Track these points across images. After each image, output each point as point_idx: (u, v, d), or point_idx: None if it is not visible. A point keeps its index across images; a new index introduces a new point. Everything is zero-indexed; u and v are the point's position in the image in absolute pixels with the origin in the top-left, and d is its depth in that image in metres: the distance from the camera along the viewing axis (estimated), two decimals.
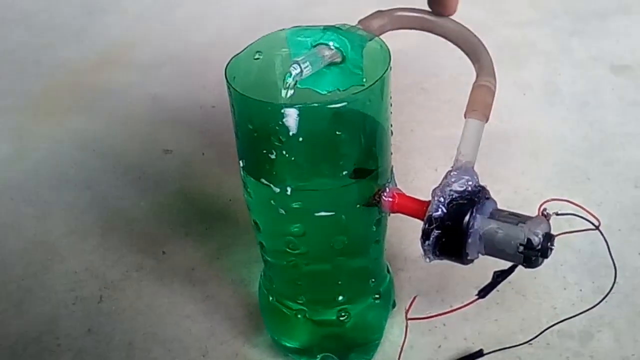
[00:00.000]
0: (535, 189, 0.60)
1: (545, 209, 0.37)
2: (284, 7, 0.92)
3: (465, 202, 0.35)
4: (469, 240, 0.35)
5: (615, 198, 0.58)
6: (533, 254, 0.35)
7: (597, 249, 0.53)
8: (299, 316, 0.42)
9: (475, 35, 0.43)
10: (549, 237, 0.35)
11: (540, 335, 0.46)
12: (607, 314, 0.48)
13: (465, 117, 0.40)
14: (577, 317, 0.48)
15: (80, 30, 0.91)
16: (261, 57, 0.39)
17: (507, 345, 0.46)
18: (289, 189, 0.36)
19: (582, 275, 0.51)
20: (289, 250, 0.39)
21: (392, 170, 0.41)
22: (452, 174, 0.37)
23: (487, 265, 0.52)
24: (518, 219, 0.36)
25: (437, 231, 0.36)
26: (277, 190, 0.36)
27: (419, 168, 0.63)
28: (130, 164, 0.65)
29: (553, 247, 0.36)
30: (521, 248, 0.35)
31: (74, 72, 0.81)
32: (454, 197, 0.36)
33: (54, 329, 0.49)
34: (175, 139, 0.68)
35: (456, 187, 0.36)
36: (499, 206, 0.37)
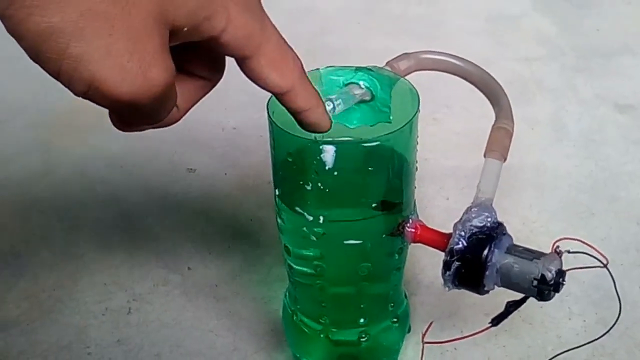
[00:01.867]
0: (541, 222, 0.63)
1: (558, 247, 0.40)
2: (298, 36, 0.96)
3: (484, 236, 0.38)
4: (487, 273, 0.38)
5: (618, 234, 0.61)
6: (546, 288, 0.38)
7: (600, 283, 0.56)
8: (322, 336, 0.45)
9: (495, 81, 0.46)
10: (561, 273, 0.38)
11: None
12: (609, 345, 0.51)
13: (484, 157, 0.43)
14: (581, 347, 0.51)
15: None
16: None
17: None
18: (321, 218, 0.39)
19: (586, 307, 0.54)
20: (316, 273, 0.42)
21: (414, 203, 0.44)
22: (472, 209, 0.40)
23: (496, 293, 0.55)
24: (533, 254, 0.39)
25: (457, 263, 0.39)
26: (310, 218, 0.39)
27: (431, 196, 0.66)
28: (155, 181, 0.68)
29: (564, 282, 0.39)
30: (535, 282, 0.38)
31: None
32: (474, 231, 0.39)
33: (84, 339, 0.51)
34: (198, 159, 0.71)
35: (476, 222, 0.39)
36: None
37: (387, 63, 0.45)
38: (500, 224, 0.39)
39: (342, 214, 0.40)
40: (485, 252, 0.38)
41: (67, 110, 0.80)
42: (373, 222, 0.40)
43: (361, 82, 0.42)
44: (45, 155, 0.72)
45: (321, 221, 0.39)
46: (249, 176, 0.69)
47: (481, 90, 0.46)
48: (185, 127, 0.78)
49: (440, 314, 0.54)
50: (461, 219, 0.39)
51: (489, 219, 0.39)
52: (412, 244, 0.45)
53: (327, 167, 0.37)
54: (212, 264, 0.58)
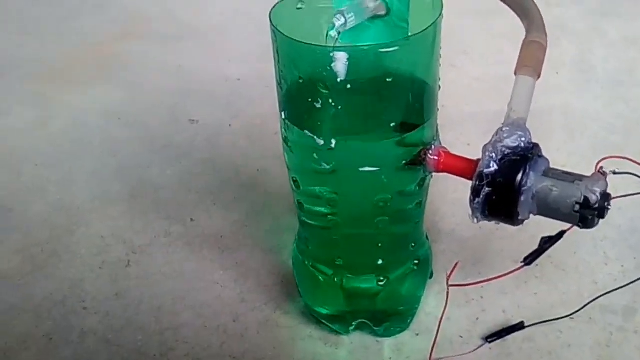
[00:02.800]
0: (571, 165, 0.57)
1: (602, 167, 0.35)
2: None
3: (518, 158, 0.34)
4: (522, 199, 0.34)
5: None
6: (590, 213, 0.33)
7: (636, 225, 0.52)
8: (336, 280, 0.41)
9: None
10: (606, 196, 0.34)
11: (582, 310, 0.45)
12: None
13: (515, 74, 0.38)
14: (619, 292, 0.46)
15: (100, 3, 0.90)
16: (303, 7, 0.38)
17: (548, 319, 0.45)
18: (333, 142, 0.35)
19: (624, 251, 0.50)
20: (329, 209, 0.38)
21: (437, 129, 0.39)
22: (503, 129, 0.35)
23: (524, 239, 0.51)
24: (573, 177, 0.34)
25: (487, 188, 0.34)
26: (321, 142, 0.35)
27: (451, 143, 0.60)
28: (156, 133, 0.64)
29: (610, 207, 0.34)
30: (577, 207, 0.33)
31: (96, 43, 0.80)
32: (506, 153, 0.34)
33: (79, 293, 0.48)
34: (201, 110, 0.67)
35: (508, 142, 0.35)
36: None
37: None
38: (535, 145, 0.35)
39: (356, 136, 0.36)
40: (520, 175, 0.33)
41: (65, 63, 0.76)
42: (391, 146, 0.36)
43: None
44: (41, 108, 0.69)
45: (333, 145, 0.35)
46: (255, 126, 0.64)
47: (506, 3, 0.41)
48: (186, 79, 0.74)
49: (465, 261, 0.49)
50: (491, 140, 0.35)
51: (523, 139, 0.35)
52: (436, 175, 0.41)
53: (339, 79, 0.32)
54: (217, 215, 0.54)
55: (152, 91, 0.70)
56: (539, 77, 0.38)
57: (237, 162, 0.60)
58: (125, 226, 0.53)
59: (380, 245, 0.40)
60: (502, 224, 0.37)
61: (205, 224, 0.53)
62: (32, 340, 0.44)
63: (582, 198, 0.33)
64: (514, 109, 0.36)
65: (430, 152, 0.37)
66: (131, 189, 0.57)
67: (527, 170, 0.34)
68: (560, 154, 0.59)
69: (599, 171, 0.35)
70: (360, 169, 0.36)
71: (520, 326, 0.44)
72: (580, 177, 0.34)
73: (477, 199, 0.34)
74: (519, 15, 0.41)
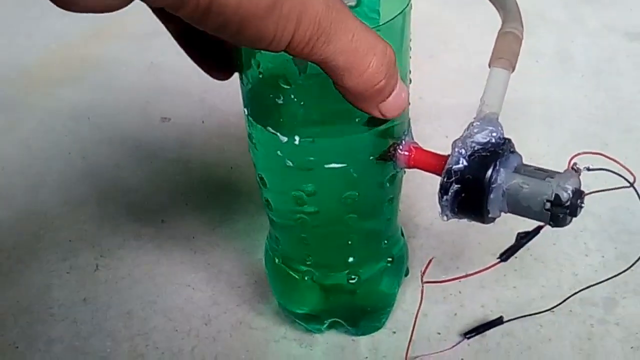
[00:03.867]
0: (550, 155, 0.57)
1: (575, 163, 0.34)
2: None
3: (488, 154, 0.33)
4: (491, 196, 0.33)
5: (634, 165, 0.55)
6: (561, 211, 0.32)
7: (617, 215, 0.51)
8: (307, 279, 0.40)
9: None
10: (578, 194, 0.32)
11: (563, 303, 0.44)
12: (632, 280, 0.45)
13: (489, 66, 0.37)
14: (600, 284, 0.45)
15: None
16: None
17: (528, 313, 0.44)
18: (297, 138, 0.33)
19: (604, 242, 0.49)
20: (296, 207, 0.36)
21: (409, 123, 0.38)
22: (474, 124, 0.34)
23: (503, 232, 0.50)
24: (545, 173, 0.33)
25: (456, 185, 0.33)
26: (285, 139, 0.33)
27: (429, 135, 0.60)
28: (127, 133, 0.62)
29: (583, 205, 0.33)
30: (548, 205, 0.32)
31: (67, 43, 0.78)
32: (476, 148, 0.33)
33: (46, 299, 0.46)
34: (173, 108, 0.65)
35: (479, 138, 0.33)
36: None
37: None
38: (507, 140, 0.34)
39: (321, 131, 0.34)
40: (489, 171, 0.32)
41: (33, 64, 0.74)
42: (359, 141, 0.34)
43: None
44: (8, 112, 0.67)
45: (297, 142, 0.33)
46: (229, 124, 0.63)
47: None
48: (158, 76, 0.73)
49: (442, 256, 0.48)
50: (462, 135, 0.34)
51: (494, 134, 0.33)
52: (402, 179, 0.39)
53: (300, 73, 0.31)
54: (189, 216, 0.53)
55: (123, 90, 0.69)
56: (513, 69, 0.37)
57: (210, 160, 0.59)
58: (94, 230, 0.51)
59: (350, 242, 0.38)
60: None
61: (177, 225, 0.52)
62: None
63: (553, 195, 0.31)
64: (486, 103, 0.35)
65: (401, 147, 0.36)
66: (101, 191, 0.55)
67: (497, 167, 0.32)
68: (540, 144, 0.58)
69: (572, 167, 0.33)
70: (326, 166, 0.34)
71: (499, 321, 0.43)
72: (553, 174, 0.33)
73: (445, 197, 0.33)
74: (494, 4, 0.40)
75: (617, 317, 0.43)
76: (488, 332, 0.43)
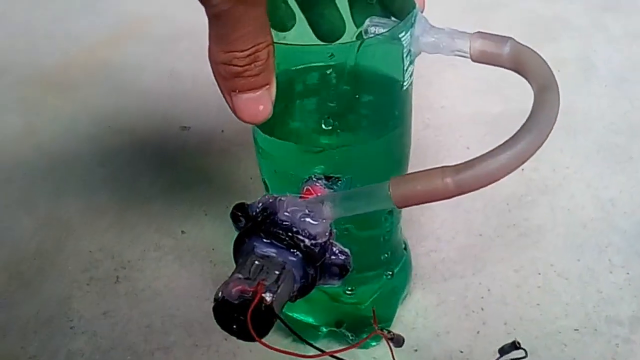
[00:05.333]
0: (574, 167, 0.56)
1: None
2: None
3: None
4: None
5: None
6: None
7: None
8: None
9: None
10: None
11: (587, 321, 0.43)
12: None
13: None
14: (626, 301, 0.45)
15: (93, 4, 0.88)
16: None
17: (551, 331, 0.43)
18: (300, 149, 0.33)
19: (629, 258, 0.48)
20: None
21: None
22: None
23: (526, 245, 0.49)
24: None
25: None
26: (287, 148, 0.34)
27: (451, 145, 0.60)
28: (147, 140, 0.62)
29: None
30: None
31: (88, 47, 0.78)
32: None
33: (67, 311, 0.46)
34: (193, 116, 0.65)
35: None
36: None
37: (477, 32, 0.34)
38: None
39: (325, 141, 0.34)
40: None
41: (54, 68, 0.74)
42: (362, 151, 0.35)
43: None
44: (30, 115, 0.67)
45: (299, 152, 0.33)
46: (248, 132, 0.62)
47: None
48: (179, 82, 0.73)
49: (464, 271, 0.48)
50: None
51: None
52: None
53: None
54: (208, 226, 0.53)
55: (143, 96, 0.69)
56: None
57: (229, 170, 0.58)
58: (114, 240, 0.51)
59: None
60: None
61: (197, 235, 0.52)
62: None
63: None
64: None
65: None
66: (121, 200, 0.55)
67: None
68: (563, 155, 0.58)
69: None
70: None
71: (518, 345, 0.42)
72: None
73: None
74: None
75: None
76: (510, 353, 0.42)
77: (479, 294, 0.46)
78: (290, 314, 0.42)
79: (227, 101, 0.30)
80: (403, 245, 0.43)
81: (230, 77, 0.29)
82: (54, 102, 0.69)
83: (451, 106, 0.65)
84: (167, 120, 0.65)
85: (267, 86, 0.29)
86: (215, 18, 0.27)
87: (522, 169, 0.58)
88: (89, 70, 0.74)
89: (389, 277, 0.41)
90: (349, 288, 0.39)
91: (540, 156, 0.58)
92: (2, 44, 0.80)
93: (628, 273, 0.47)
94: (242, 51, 0.28)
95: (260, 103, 0.30)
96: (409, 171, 0.40)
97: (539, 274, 0.47)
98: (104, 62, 0.75)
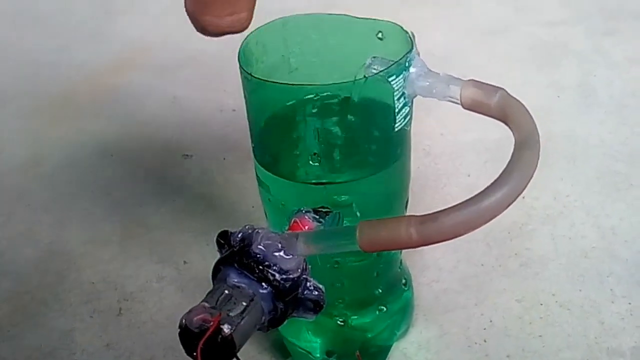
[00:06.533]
0: (575, 195, 0.57)
1: None
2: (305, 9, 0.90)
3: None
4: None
5: None
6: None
7: None
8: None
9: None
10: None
11: (589, 353, 0.43)
12: None
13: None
14: (627, 332, 0.45)
15: (97, 32, 0.89)
16: None
17: None
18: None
19: (631, 287, 0.48)
20: None
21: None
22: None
23: (527, 276, 0.49)
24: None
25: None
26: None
27: (451, 173, 0.60)
28: (150, 169, 0.63)
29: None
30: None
31: (91, 75, 0.79)
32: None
33: (69, 344, 0.46)
34: (195, 143, 0.66)
35: None
36: None
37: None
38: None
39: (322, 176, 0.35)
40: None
41: (58, 97, 0.75)
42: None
43: None
44: (34, 145, 0.68)
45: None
46: (250, 160, 0.63)
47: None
48: (181, 110, 0.73)
49: (466, 301, 0.48)
50: None
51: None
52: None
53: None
54: (210, 256, 0.52)
55: (146, 124, 0.69)
56: None
57: (231, 198, 0.59)
58: (116, 271, 0.52)
59: (341, 285, 0.38)
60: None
61: (199, 266, 0.52)
62: None
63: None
64: None
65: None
66: (124, 229, 0.56)
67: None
68: (564, 183, 0.58)
69: None
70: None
71: None
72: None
73: None
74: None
75: None
76: None
77: (482, 325, 0.46)
78: (290, 339, 0.42)
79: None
80: (403, 282, 0.43)
81: None
82: (58, 132, 0.69)
83: (451, 133, 0.65)
84: (169, 148, 0.65)
85: None
86: None
87: (523, 197, 0.58)
88: (92, 99, 0.75)
89: (384, 311, 0.41)
90: (341, 320, 0.40)
91: (541, 184, 0.59)
92: (6, 73, 0.81)
93: (630, 303, 0.47)
94: None
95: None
96: (410, 200, 0.41)
97: (541, 304, 0.47)
98: (107, 91, 0.76)
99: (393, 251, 0.40)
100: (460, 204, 0.28)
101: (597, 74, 0.73)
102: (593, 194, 0.57)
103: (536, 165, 0.29)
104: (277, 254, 0.29)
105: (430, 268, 0.51)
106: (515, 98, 0.32)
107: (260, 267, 0.29)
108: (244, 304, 0.29)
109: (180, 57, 0.81)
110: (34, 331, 0.47)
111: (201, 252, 0.53)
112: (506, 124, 0.32)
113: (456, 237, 0.28)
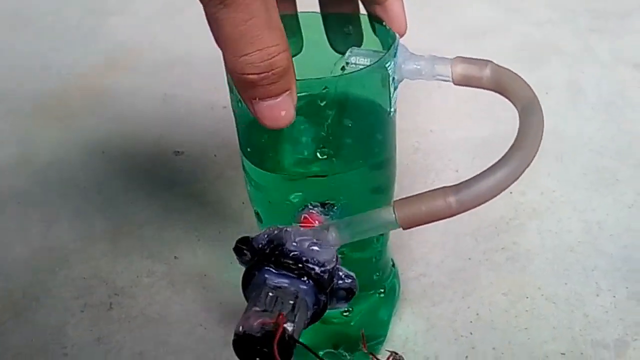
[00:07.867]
0: (562, 191, 0.57)
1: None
2: None
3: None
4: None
5: None
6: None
7: (629, 254, 0.51)
8: None
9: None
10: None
11: (574, 345, 0.44)
12: None
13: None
14: (611, 325, 0.45)
15: (87, 33, 0.89)
16: None
17: (539, 356, 0.44)
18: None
19: (615, 281, 0.49)
20: None
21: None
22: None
23: (513, 271, 0.50)
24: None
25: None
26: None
27: (439, 170, 0.60)
28: (141, 166, 0.63)
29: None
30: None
31: (82, 75, 0.79)
32: None
33: (60, 338, 0.47)
34: (186, 141, 0.66)
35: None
36: None
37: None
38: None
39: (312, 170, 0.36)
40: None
41: (48, 97, 0.75)
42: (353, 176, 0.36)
43: None
44: (24, 144, 0.68)
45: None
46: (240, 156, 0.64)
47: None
48: (172, 108, 0.74)
49: (453, 295, 0.48)
50: None
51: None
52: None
53: None
54: (201, 252, 0.53)
55: (137, 122, 0.70)
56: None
57: (222, 194, 0.59)
58: (107, 266, 0.52)
59: None
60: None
61: (189, 261, 0.52)
62: None
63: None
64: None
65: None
66: (115, 226, 0.56)
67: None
68: (551, 179, 0.59)
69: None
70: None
71: None
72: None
73: None
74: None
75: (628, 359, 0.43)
76: None
77: (468, 318, 0.47)
78: None
79: (248, 107, 0.30)
80: (391, 263, 0.44)
81: (245, 85, 0.29)
82: (48, 132, 0.69)
83: (440, 130, 0.66)
84: (160, 145, 0.66)
85: (288, 91, 0.30)
86: (212, 21, 0.28)
87: (511, 192, 0.59)
88: (83, 98, 0.75)
89: (382, 294, 0.42)
90: (346, 309, 0.40)
91: (528, 180, 0.60)
92: None
93: (614, 296, 0.48)
94: (250, 54, 0.28)
95: (282, 109, 0.30)
96: (395, 196, 0.41)
97: (527, 297, 0.48)
98: (98, 90, 0.76)
99: (387, 235, 0.41)
100: (487, 170, 0.30)
101: (585, 72, 0.74)
102: (580, 189, 0.58)
103: (544, 124, 0.32)
104: (313, 247, 0.30)
105: (418, 262, 0.51)
106: (506, 68, 0.33)
107: (299, 264, 0.30)
108: (291, 302, 0.29)
109: (170, 57, 0.81)
110: (24, 326, 0.48)
111: (192, 248, 0.54)
112: (502, 94, 0.33)
113: (491, 199, 0.30)
